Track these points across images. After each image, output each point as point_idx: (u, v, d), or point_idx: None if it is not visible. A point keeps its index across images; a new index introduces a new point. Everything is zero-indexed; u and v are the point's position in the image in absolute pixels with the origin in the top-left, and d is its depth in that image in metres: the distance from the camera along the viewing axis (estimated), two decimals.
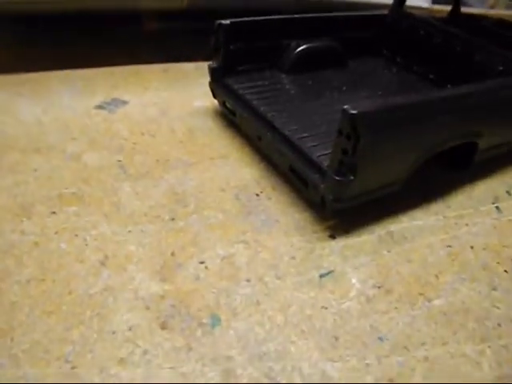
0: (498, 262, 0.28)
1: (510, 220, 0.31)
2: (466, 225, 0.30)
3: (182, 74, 0.39)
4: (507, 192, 0.34)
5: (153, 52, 0.44)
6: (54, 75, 0.41)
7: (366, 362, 0.21)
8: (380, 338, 0.22)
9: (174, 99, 0.37)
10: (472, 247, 0.28)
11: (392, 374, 0.21)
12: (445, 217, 0.30)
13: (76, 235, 0.25)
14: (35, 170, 0.29)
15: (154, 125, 0.35)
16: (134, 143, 0.33)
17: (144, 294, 0.22)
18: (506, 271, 0.27)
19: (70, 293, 0.22)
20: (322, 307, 0.23)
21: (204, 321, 0.21)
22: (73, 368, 0.19)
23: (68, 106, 0.36)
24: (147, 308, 0.22)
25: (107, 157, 0.31)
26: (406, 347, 0.22)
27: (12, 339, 0.20)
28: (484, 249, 0.28)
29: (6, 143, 0.32)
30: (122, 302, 0.22)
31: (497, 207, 0.32)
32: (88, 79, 0.40)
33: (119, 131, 0.34)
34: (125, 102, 0.37)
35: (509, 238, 0.30)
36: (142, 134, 0.34)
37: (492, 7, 1.91)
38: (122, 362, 0.19)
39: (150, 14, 0.45)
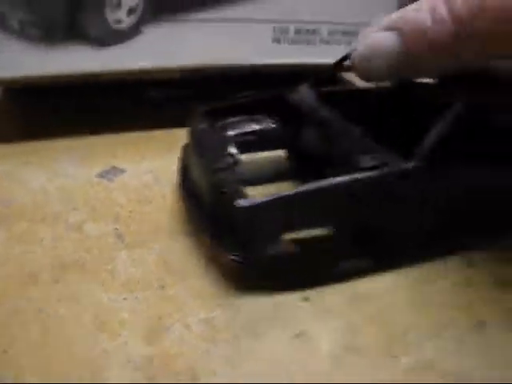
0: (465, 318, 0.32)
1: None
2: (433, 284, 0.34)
3: (177, 140, 0.44)
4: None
5: (150, 120, 0.51)
6: (58, 144, 0.47)
7: None
8: None
9: (168, 166, 0.42)
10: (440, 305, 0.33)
11: None
12: (414, 278, 0.35)
13: (76, 302, 0.30)
14: (41, 240, 0.35)
15: (148, 192, 0.40)
16: (130, 211, 0.38)
17: (135, 357, 0.27)
18: (474, 325, 0.32)
19: (68, 356, 0.27)
20: (294, 364, 0.27)
21: (187, 380, 0.26)
22: None
23: (71, 174, 0.42)
24: (137, 369, 0.26)
25: (105, 226, 0.36)
26: None
27: None
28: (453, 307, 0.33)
29: (15, 212, 0.38)
30: (115, 364, 0.26)
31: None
32: (89, 147, 0.46)
33: (117, 200, 0.39)
34: (123, 171, 0.43)
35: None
36: (138, 201, 0.39)
37: None
38: None
39: (147, 83, 0.51)
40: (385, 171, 0.30)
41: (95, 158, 0.45)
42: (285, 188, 0.42)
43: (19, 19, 0.44)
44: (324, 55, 0.52)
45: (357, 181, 0.30)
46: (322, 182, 0.30)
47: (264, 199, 0.28)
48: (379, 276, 0.33)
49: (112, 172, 0.42)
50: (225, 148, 0.35)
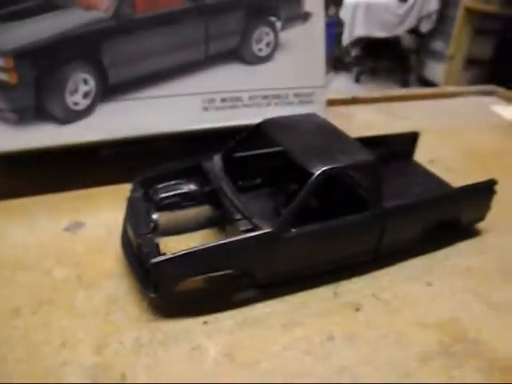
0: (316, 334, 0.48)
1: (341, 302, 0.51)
2: (305, 308, 0.50)
3: (126, 194, 0.58)
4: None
5: (107, 175, 0.65)
6: (32, 200, 0.60)
7: None
8: None
9: (118, 219, 0.56)
10: (302, 325, 0.48)
11: None
12: (291, 303, 0.50)
13: (48, 328, 0.45)
14: (22, 283, 0.49)
15: (101, 244, 0.55)
16: (87, 259, 0.53)
17: (85, 365, 0.41)
18: (321, 341, 0.47)
19: (42, 367, 0.41)
20: (187, 369, 0.42)
21: (117, 379, 0.41)
22: None
23: (44, 228, 0.56)
24: (86, 374, 0.41)
25: (69, 271, 0.50)
26: None
27: None
28: (311, 324, 0.48)
29: (1, 263, 0.53)
30: (72, 371, 0.41)
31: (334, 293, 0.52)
32: (57, 203, 0.60)
33: (78, 250, 0.53)
34: (83, 224, 0.57)
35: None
36: (93, 251, 0.54)
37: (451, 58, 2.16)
38: None
39: (99, 146, 0.66)
40: (253, 234, 0.45)
41: (62, 212, 0.60)
42: (208, 234, 0.57)
43: None
44: (247, 117, 0.68)
45: (237, 240, 0.45)
46: (212, 242, 0.45)
47: (170, 256, 0.44)
48: (264, 304, 0.49)
49: (75, 226, 0.57)
50: (149, 214, 0.50)
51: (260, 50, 0.69)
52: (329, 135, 0.53)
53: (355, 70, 2.79)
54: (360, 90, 2.57)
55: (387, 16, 2.54)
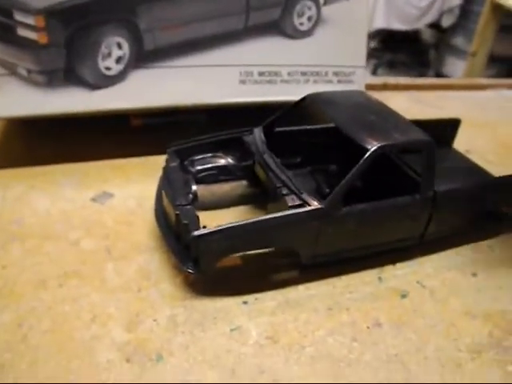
0: (362, 320, 0.44)
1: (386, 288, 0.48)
2: (350, 292, 0.47)
3: (157, 165, 0.55)
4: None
5: (136, 146, 0.62)
6: (57, 169, 0.57)
7: None
8: (262, 372, 0.38)
9: (149, 191, 0.53)
10: (348, 309, 0.45)
11: None
12: (334, 286, 0.47)
13: (75, 301, 0.42)
14: (48, 254, 0.47)
15: (131, 216, 0.52)
16: (117, 231, 0.50)
17: (117, 341, 0.39)
18: (368, 327, 0.44)
19: (71, 339, 0.38)
20: (228, 350, 0.39)
21: (153, 357, 0.38)
22: None
23: (70, 198, 0.53)
24: (119, 349, 0.38)
25: (98, 243, 0.48)
26: (277, 379, 0.38)
27: (37, 367, 0.37)
28: (356, 310, 0.45)
29: (25, 231, 0.49)
30: (103, 346, 0.38)
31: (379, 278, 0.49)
32: (84, 173, 0.57)
33: (107, 221, 0.50)
34: (111, 195, 0.54)
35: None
36: (123, 223, 0.51)
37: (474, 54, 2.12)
38: (101, 380, 0.36)
39: (130, 114, 0.63)
40: (302, 210, 0.42)
41: (89, 182, 0.57)
42: (244, 211, 0.54)
43: (27, 68, 0.55)
44: (284, 93, 0.64)
45: (284, 216, 0.42)
46: (254, 218, 0.42)
47: (214, 229, 0.40)
48: (306, 286, 0.46)
49: (103, 196, 0.54)
50: (188, 185, 0.47)
51: (301, 24, 0.65)
52: (380, 112, 0.50)
53: (372, 62, 2.74)
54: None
55: (408, 8, 2.47)
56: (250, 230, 0.41)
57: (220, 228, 0.40)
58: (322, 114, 0.49)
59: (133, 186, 0.57)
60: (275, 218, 0.42)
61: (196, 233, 0.40)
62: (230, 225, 0.41)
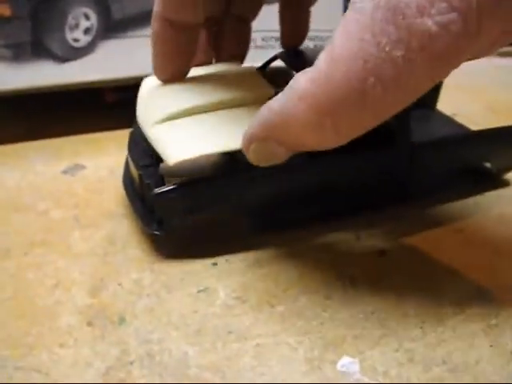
0: (336, 278, 0.42)
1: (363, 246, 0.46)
2: (324, 251, 0.45)
3: None
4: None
5: (110, 120, 0.61)
6: (29, 145, 0.56)
7: (216, 345, 0.35)
8: (229, 332, 0.37)
9: (122, 162, 0.52)
10: (321, 267, 0.43)
11: (231, 355, 0.35)
12: (308, 246, 0.45)
13: (39, 268, 0.41)
14: (14, 224, 0.45)
15: (102, 185, 0.50)
16: (86, 200, 0.48)
17: (80, 305, 0.37)
18: (343, 285, 0.42)
19: (32, 305, 0.37)
20: (194, 311, 0.38)
21: (115, 320, 0.37)
22: (30, 349, 0.34)
23: (40, 172, 0.52)
24: (80, 313, 0.37)
25: (66, 212, 0.46)
26: (245, 338, 0.36)
27: None
28: (331, 268, 0.43)
29: None
30: (65, 311, 0.37)
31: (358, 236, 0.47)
32: (56, 147, 0.56)
33: (77, 191, 0.49)
34: (83, 167, 0.53)
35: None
36: (93, 192, 0.50)
37: None
38: (61, 345, 0.35)
39: (103, 89, 0.61)
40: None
41: (61, 156, 0.56)
42: None
43: None
44: (260, 59, 0.62)
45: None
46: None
47: (176, 186, 0.39)
48: (278, 247, 0.44)
49: (74, 168, 0.53)
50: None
51: None
52: None
53: None
54: None
55: None
56: (218, 185, 0.40)
57: (183, 182, 0.39)
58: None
59: (106, 157, 0.55)
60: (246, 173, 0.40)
61: (157, 190, 0.38)
62: (195, 179, 0.39)
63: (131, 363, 0.34)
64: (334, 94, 0.23)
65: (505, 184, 0.58)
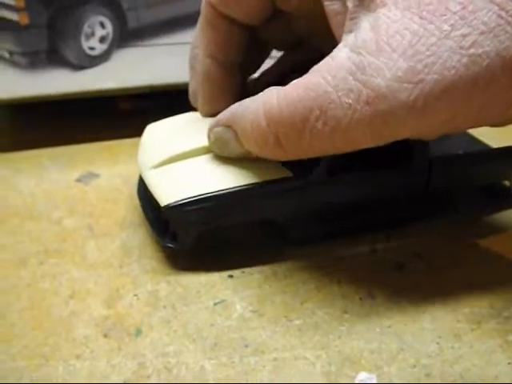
0: (353, 292, 0.42)
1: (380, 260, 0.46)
2: (341, 265, 0.44)
3: None
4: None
5: (125, 129, 0.61)
6: (43, 153, 0.56)
7: (233, 359, 0.35)
8: (246, 345, 0.36)
9: (136, 169, 0.52)
10: (339, 281, 0.43)
11: (248, 369, 0.35)
12: (325, 259, 0.45)
13: (54, 278, 0.41)
14: (29, 232, 0.45)
15: (116, 194, 0.50)
16: (101, 209, 0.48)
17: (96, 316, 0.37)
18: (360, 298, 0.42)
19: (48, 315, 0.37)
20: (211, 324, 0.37)
21: (131, 332, 0.36)
22: (46, 360, 0.34)
23: (54, 179, 0.52)
24: (96, 324, 0.37)
25: (80, 221, 0.46)
26: (262, 351, 0.36)
27: (11, 344, 0.35)
28: (348, 282, 0.43)
29: (8, 211, 0.48)
30: (81, 322, 0.37)
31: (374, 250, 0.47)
32: (70, 155, 0.56)
33: (91, 200, 0.49)
34: (97, 176, 0.53)
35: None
36: (107, 201, 0.49)
37: None
38: (77, 357, 0.35)
39: (117, 97, 0.61)
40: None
41: (75, 163, 0.56)
42: None
43: (8, 49, 0.54)
44: None
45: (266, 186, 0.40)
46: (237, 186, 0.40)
47: (191, 198, 0.38)
48: (295, 260, 0.44)
49: (88, 177, 0.53)
50: None
51: None
52: None
53: None
54: None
55: None
56: (233, 199, 0.39)
57: (197, 197, 0.39)
58: None
59: (120, 166, 0.55)
60: (259, 186, 0.39)
61: (170, 203, 0.38)
62: (212, 193, 0.39)
63: (148, 377, 0.33)
64: (282, 112, 0.27)
65: None
